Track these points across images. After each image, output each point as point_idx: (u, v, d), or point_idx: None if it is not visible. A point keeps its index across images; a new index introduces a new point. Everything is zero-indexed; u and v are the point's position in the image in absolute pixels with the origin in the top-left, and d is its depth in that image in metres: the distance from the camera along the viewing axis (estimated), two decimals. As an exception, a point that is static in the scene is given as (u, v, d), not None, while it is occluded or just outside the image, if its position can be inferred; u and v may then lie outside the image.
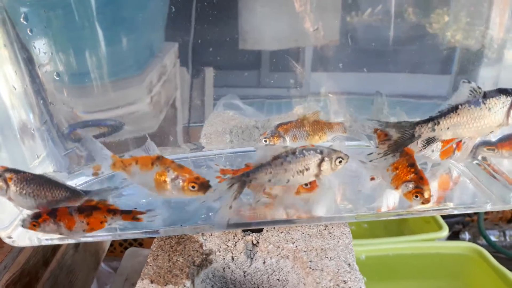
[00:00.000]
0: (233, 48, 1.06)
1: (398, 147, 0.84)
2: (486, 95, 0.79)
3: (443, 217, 2.07)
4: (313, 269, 0.80)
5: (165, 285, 0.79)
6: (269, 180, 0.82)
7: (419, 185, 0.83)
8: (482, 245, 2.19)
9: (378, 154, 0.85)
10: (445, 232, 1.98)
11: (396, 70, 1.15)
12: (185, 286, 0.79)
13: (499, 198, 0.95)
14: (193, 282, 0.82)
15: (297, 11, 1.03)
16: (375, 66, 1.14)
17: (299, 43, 1.09)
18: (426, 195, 0.84)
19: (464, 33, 1.07)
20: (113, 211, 0.83)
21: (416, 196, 0.84)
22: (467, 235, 2.39)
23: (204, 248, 0.88)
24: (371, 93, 1.18)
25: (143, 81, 1.14)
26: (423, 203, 0.84)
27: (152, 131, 1.19)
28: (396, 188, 0.84)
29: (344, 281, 0.76)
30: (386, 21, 1.06)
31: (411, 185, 0.83)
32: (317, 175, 0.83)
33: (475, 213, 2.39)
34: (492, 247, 2.27)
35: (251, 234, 0.90)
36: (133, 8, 1.04)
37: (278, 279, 0.88)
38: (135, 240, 2.12)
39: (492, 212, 2.51)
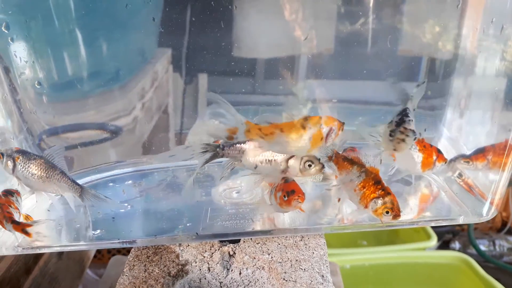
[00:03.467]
0: (227, 55, 1.06)
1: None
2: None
3: (433, 226, 2.07)
4: (286, 280, 0.80)
5: (139, 296, 0.79)
6: (240, 160, 0.82)
7: (387, 200, 0.84)
8: (472, 255, 2.20)
9: None
10: (434, 241, 1.99)
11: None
12: (159, 297, 0.79)
13: (472, 211, 0.95)
14: (167, 293, 0.82)
15: (288, 20, 1.04)
16: (369, 74, 1.15)
17: (294, 51, 1.10)
18: (395, 210, 0.84)
19: (452, 43, 1.08)
20: (7, 217, 0.84)
21: (387, 212, 0.84)
22: (457, 245, 2.39)
23: (180, 258, 0.88)
24: (367, 101, 1.19)
25: (131, 89, 1.15)
26: (393, 218, 0.85)
27: (143, 138, 1.19)
28: (365, 206, 0.85)
29: (316, 293, 0.77)
30: (376, 29, 1.07)
31: (379, 202, 0.84)
32: (284, 171, 0.82)
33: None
34: (481, 257, 2.27)
35: (228, 245, 0.90)
36: (123, 14, 1.04)
37: (254, 290, 0.87)
38: (122, 247, 2.11)
39: (482, 221, 2.51)
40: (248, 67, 1.10)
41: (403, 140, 0.84)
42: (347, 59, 1.13)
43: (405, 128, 0.84)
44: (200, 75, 1.12)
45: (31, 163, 0.88)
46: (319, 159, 0.84)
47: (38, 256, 1.25)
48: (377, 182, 0.86)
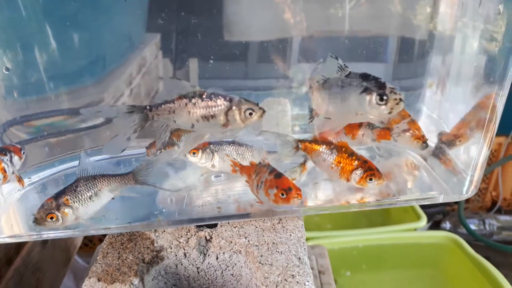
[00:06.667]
0: (218, 39, 1.04)
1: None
2: (348, 75, 0.78)
3: (422, 207, 2.07)
4: (262, 264, 0.78)
5: (112, 283, 0.77)
6: (174, 121, 0.78)
7: (367, 168, 0.85)
8: (462, 234, 2.21)
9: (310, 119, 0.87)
10: (423, 222, 1.99)
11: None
12: (132, 283, 0.77)
13: (453, 189, 0.94)
14: (142, 280, 0.80)
15: (278, 1, 1.01)
16: (359, 56, 1.12)
17: (285, 34, 1.07)
18: (377, 174, 0.85)
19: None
20: None
21: (370, 179, 0.86)
22: (448, 225, 2.40)
23: (155, 244, 0.86)
24: None
25: (119, 76, 1.11)
26: (379, 182, 0.86)
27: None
28: (347, 180, 0.85)
29: (292, 275, 0.75)
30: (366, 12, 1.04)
31: (359, 172, 0.85)
32: (225, 125, 0.77)
33: (456, 203, 2.40)
34: (472, 236, 2.29)
35: (204, 230, 0.88)
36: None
37: (232, 274, 0.86)
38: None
39: (472, 201, 2.52)
40: (239, 51, 1.08)
41: (400, 100, 0.72)
42: (336, 41, 1.10)
43: (393, 88, 0.72)
44: (190, 60, 1.08)
45: (79, 194, 0.83)
46: (258, 104, 0.78)
47: (20, 246, 1.23)
48: (351, 154, 0.87)
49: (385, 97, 0.72)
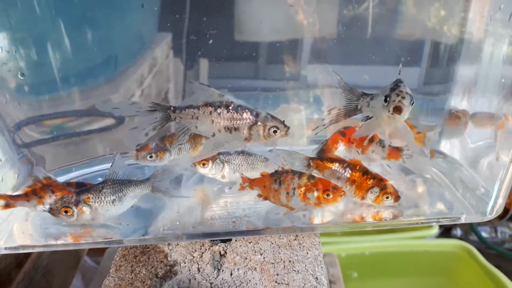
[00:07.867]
0: (229, 39, 1.03)
1: (344, 115, 0.83)
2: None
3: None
4: (279, 283, 0.77)
5: (125, 299, 0.76)
6: (196, 127, 0.76)
7: (383, 187, 0.83)
8: (473, 241, 2.17)
9: (323, 125, 0.84)
10: (435, 230, 1.96)
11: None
12: (146, 299, 0.76)
13: (475, 209, 0.91)
14: (155, 295, 0.79)
15: (290, 3, 0.99)
16: (370, 59, 1.10)
17: (296, 35, 1.06)
18: (394, 193, 0.84)
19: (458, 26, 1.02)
20: None
21: (387, 197, 0.84)
22: (458, 231, 2.36)
23: (169, 258, 0.84)
24: (368, 86, 1.14)
25: (129, 76, 1.10)
26: (395, 200, 0.85)
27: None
28: (362, 198, 0.83)
29: (309, 297, 0.73)
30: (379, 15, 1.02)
31: (375, 190, 0.83)
32: (247, 139, 0.76)
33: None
34: (483, 243, 2.25)
35: (218, 244, 0.87)
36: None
37: (246, 291, 0.85)
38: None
39: (485, 220, 2.48)
40: (250, 52, 1.06)
41: (400, 102, 0.70)
42: (350, 44, 1.07)
43: (401, 91, 0.71)
44: (201, 60, 1.07)
45: (103, 195, 0.81)
46: (283, 121, 0.76)
47: (30, 250, 1.23)
48: (365, 172, 0.85)
49: (388, 98, 0.71)
